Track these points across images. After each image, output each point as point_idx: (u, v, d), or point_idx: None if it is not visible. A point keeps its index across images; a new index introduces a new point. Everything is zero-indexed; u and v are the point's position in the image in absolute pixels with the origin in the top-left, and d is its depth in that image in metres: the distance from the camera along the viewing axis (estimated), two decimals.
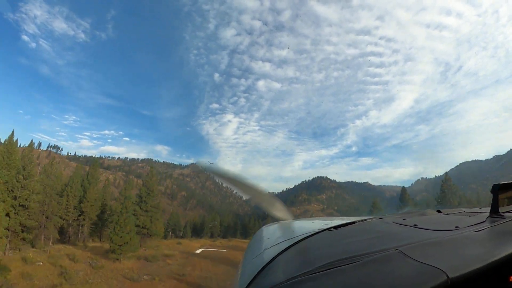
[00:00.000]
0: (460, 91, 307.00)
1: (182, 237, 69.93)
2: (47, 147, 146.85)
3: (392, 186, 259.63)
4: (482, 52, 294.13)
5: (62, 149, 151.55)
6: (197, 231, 76.07)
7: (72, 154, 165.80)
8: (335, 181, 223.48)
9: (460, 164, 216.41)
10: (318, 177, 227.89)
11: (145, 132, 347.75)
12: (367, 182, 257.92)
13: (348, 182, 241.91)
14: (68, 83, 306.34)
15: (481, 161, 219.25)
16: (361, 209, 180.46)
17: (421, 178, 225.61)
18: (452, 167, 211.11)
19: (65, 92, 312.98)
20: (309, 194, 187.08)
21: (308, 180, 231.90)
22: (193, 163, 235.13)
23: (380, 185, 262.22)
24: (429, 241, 1.18)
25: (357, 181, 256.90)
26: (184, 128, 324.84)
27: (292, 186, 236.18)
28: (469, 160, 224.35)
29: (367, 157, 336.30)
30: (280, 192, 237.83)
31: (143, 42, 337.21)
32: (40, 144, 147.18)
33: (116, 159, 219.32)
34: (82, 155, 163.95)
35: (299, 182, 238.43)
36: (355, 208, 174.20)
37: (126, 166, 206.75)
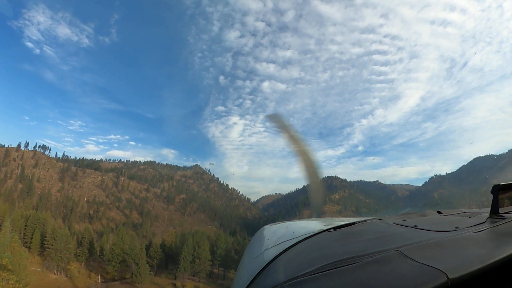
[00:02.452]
0: (466, 87, 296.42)
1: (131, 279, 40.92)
2: (33, 147, 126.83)
3: (402, 184, 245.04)
4: (487, 48, 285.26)
5: (50, 150, 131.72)
6: (172, 258, 47.04)
7: (70, 156, 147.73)
8: (345, 180, 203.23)
9: (473, 159, 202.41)
10: (328, 176, 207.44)
11: (151, 136, 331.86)
12: (377, 181, 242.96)
13: (357, 181, 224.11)
14: (73, 88, 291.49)
15: (495, 155, 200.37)
16: (380, 210, 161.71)
17: (434, 175, 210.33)
18: (464, 163, 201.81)
19: (70, 97, 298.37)
20: (323, 198, 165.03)
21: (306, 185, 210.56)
22: (197, 164, 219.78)
23: (391, 184, 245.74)
24: (429, 242, 1.14)
25: (366, 180, 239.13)
26: (190, 131, 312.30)
27: (301, 187, 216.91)
28: (483, 155, 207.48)
29: (374, 156, 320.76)
30: (289, 193, 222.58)
31: (147, 46, 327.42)
32: (27, 144, 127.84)
33: (117, 161, 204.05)
34: (73, 157, 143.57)
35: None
36: (375, 209, 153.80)
37: (127, 168, 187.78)
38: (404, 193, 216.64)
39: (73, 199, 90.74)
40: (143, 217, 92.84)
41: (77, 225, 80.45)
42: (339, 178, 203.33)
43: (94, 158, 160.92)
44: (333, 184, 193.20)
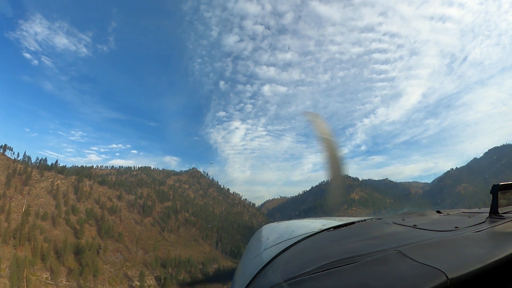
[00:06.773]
0: (467, 82, 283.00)
1: None
2: None
3: (410, 182, 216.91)
4: (486, 41, 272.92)
5: (13, 150, 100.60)
6: None
7: (45, 160, 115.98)
8: (357, 179, 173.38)
9: (489, 150, 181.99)
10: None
11: (153, 144, 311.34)
12: (386, 178, 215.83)
13: (367, 180, 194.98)
14: (72, 98, 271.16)
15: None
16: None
17: (451, 169, 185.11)
18: (473, 157, 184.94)
19: (70, 108, 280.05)
20: (342, 196, 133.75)
21: (327, 181, 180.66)
22: (193, 167, 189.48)
23: (402, 182, 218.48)
24: (428, 242, 1.10)
25: (375, 178, 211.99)
26: (192, 138, 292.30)
27: (309, 188, 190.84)
28: (499, 145, 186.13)
29: (377, 155, 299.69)
30: (296, 195, 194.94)
31: (146, 54, 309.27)
32: None
33: (110, 168, 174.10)
34: (38, 159, 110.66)
35: (317, 183, 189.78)
36: (402, 210, 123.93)
37: (119, 174, 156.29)
38: (417, 191, 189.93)
39: (4, 209, 59.04)
40: (101, 236, 61.09)
41: None
42: (350, 176, 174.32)
43: (84, 165, 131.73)
44: (345, 183, 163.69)
